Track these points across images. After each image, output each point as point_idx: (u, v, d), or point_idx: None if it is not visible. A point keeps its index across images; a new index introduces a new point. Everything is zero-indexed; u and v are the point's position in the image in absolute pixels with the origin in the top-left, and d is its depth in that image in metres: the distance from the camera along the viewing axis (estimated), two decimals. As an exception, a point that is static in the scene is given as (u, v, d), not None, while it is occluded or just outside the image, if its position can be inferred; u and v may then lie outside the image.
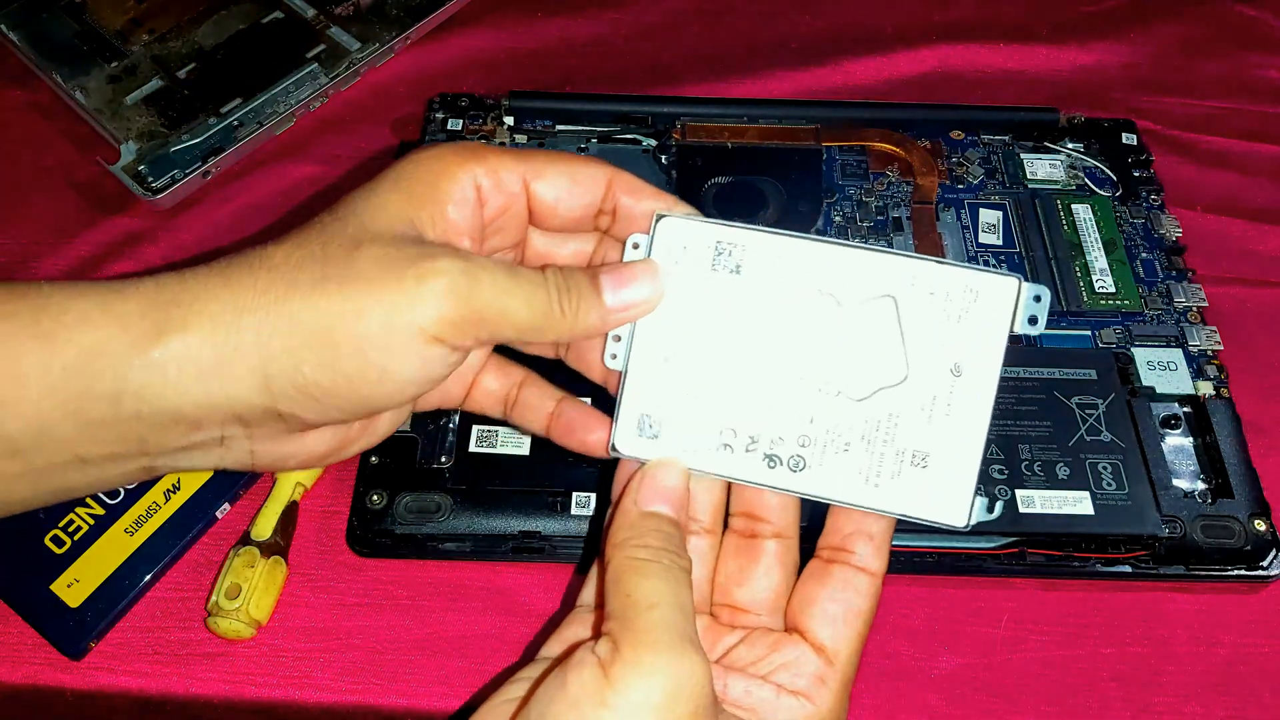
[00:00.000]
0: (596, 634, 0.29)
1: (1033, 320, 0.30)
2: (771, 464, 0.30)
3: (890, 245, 0.52)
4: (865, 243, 0.32)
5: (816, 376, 0.30)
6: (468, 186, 0.30)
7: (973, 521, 0.30)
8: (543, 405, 0.34)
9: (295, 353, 0.27)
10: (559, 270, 0.29)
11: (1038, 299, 0.30)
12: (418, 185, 0.29)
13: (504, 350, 0.34)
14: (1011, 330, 0.30)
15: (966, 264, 0.30)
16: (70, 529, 0.43)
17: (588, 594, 0.32)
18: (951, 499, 0.30)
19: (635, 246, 0.31)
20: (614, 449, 0.31)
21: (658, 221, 0.31)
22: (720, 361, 0.31)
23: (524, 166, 0.30)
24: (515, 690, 0.29)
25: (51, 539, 0.43)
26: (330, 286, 0.27)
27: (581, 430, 0.33)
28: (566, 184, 0.31)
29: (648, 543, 0.28)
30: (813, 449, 0.30)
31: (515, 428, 0.35)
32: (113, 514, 0.43)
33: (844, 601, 0.30)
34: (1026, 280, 0.30)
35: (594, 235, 0.33)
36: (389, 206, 0.28)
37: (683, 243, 0.31)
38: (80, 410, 0.27)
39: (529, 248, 0.33)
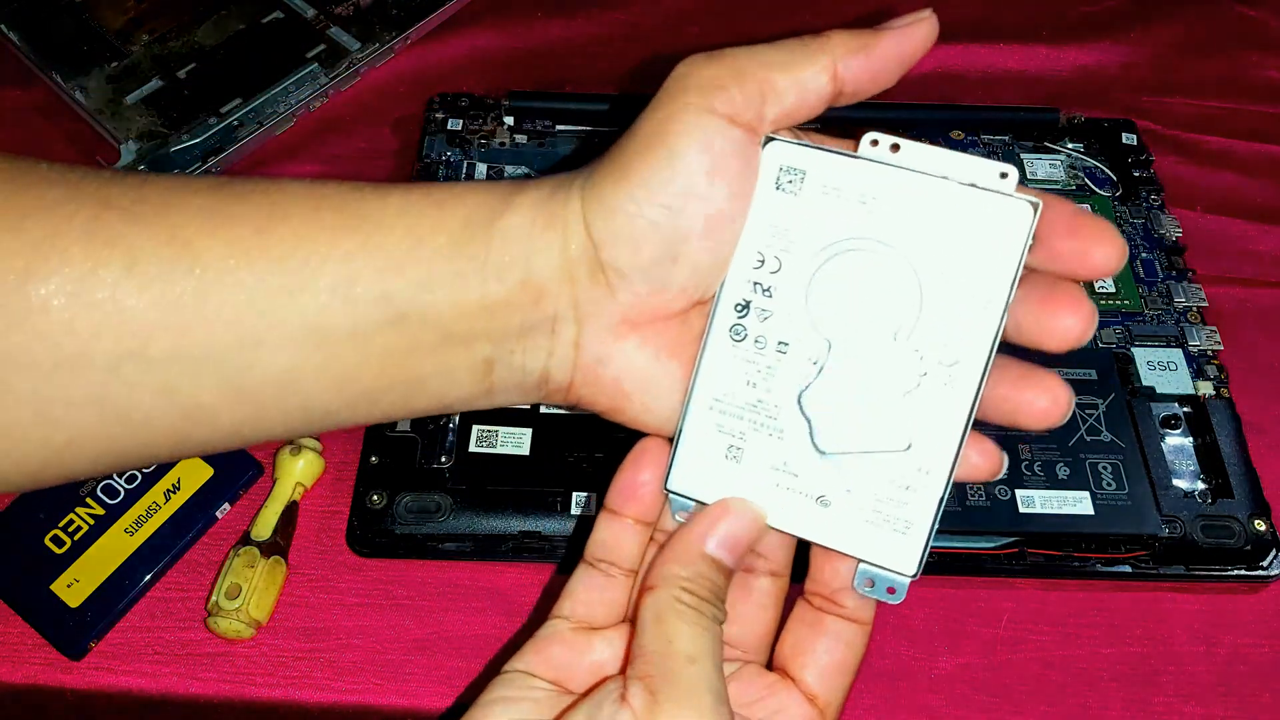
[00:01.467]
0: (624, 668, 0.28)
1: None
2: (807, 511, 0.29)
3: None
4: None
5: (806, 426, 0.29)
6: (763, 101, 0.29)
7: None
8: None
9: (597, 180, 0.28)
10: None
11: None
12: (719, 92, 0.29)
13: None
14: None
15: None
16: (70, 529, 0.43)
17: (569, 607, 0.30)
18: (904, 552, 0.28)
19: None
20: (667, 488, 0.30)
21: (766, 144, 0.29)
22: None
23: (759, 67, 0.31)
24: (504, 699, 0.28)
25: (51, 539, 0.43)
26: (629, 140, 0.28)
27: None
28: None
29: (699, 590, 0.27)
30: (843, 503, 0.29)
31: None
32: (113, 514, 0.43)
33: (837, 654, 0.29)
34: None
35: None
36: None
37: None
38: (458, 274, 0.27)
39: None
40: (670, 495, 0.30)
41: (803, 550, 0.30)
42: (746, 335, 0.29)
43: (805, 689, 0.29)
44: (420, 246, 0.27)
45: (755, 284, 0.29)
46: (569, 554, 0.43)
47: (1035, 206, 0.27)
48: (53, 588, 0.42)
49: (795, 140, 0.29)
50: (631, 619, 0.29)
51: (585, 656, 0.29)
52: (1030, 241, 0.27)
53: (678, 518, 0.30)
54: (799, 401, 0.28)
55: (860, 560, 0.28)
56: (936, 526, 0.28)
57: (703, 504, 0.29)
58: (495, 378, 0.29)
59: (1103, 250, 0.27)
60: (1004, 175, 0.27)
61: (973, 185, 0.27)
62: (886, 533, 0.28)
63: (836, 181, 0.29)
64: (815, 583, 0.30)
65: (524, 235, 0.28)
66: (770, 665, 0.31)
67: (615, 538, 0.30)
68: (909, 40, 0.32)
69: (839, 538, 0.28)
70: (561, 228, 0.28)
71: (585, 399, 0.30)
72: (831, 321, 0.28)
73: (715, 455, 0.29)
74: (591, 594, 0.30)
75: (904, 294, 0.28)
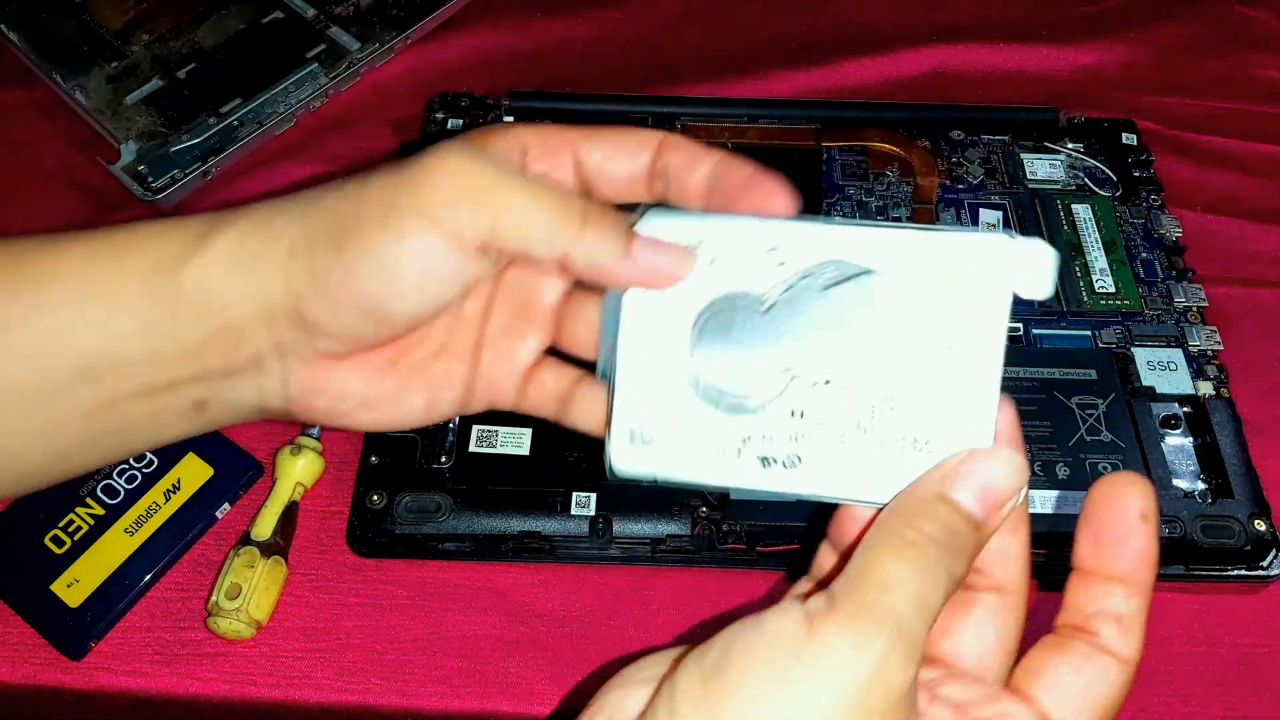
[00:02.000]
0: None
1: (1037, 281, 0.26)
2: (766, 465, 0.29)
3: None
4: (847, 219, 0.30)
5: (799, 365, 0.28)
6: (513, 146, 0.29)
7: None
8: (601, 402, 0.31)
9: (311, 243, 0.27)
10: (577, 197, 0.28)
11: (1038, 259, 0.26)
12: (467, 142, 0.28)
13: (555, 354, 0.32)
14: (1013, 296, 0.27)
15: (955, 227, 0.28)
16: (70, 529, 0.43)
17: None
18: None
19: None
20: (612, 471, 0.29)
21: (643, 214, 0.30)
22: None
23: (573, 135, 0.29)
24: (654, 668, 0.25)
25: (51, 539, 0.43)
26: (350, 186, 0.27)
27: None
28: (615, 146, 0.29)
29: (924, 527, 0.24)
30: (805, 443, 0.29)
31: (571, 429, 0.32)
32: (113, 514, 0.43)
33: (1084, 677, 0.25)
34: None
35: (640, 155, 0.31)
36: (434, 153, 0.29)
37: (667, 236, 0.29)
38: (148, 323, 0.27)
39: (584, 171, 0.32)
40: (620, 477, 0.29)
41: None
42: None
43: (1039, 708, 0.25)
44: (101, 300, 0.27)
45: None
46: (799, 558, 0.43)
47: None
48: (53, 588, 0.42)
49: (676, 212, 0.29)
50: None
51: None
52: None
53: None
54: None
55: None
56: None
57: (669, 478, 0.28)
58: (209, 414, 0.29)
59: (779, 202, 0.29)
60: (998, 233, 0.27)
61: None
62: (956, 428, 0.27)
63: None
64: (1065, 613, 0.26)
65: (219, 280, 0.27)
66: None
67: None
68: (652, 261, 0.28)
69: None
70: (262, 275, 0.27)
71: (306, 417, 0.30)
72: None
73: (647, 427, 0.29)
74: None
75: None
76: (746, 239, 0.29)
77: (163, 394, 0.28)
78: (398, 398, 0.30)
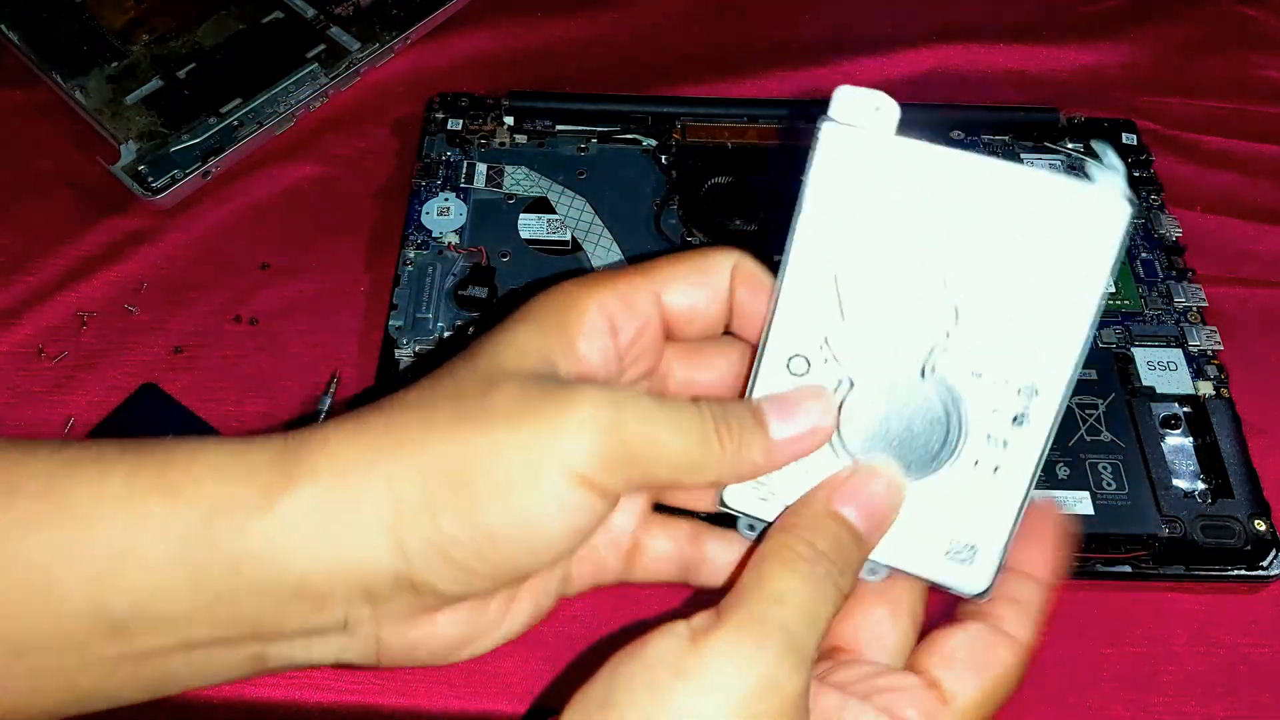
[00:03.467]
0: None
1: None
2: None
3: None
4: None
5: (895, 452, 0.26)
6: (597, 316, 0.27)
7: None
8: (729, 557, 0.29)
9: (431, 503, 0.23)
10: (713, 400, 0.26)
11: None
12: (547, 320, 0.26)
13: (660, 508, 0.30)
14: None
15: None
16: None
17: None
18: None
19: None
20: (723, 502, 0.27)
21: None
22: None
23: (651, 281, 0.27)
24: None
25: None
26: (465, 426, 0.24)
27: None
28: (696, 284, 0.28)
29: (814, 541, 0.25)
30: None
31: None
32: None
33: (977, 652, 0.26)
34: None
35: (735, 355, 0.29)
36: (520, 343, 0.26)
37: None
38: (197, 581, 0.23)
39: (670, 378, 0.30)
40: (728, 510, 0.28)
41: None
42: (799, 371, 0.27)
43: (928, 677, 0.26)
44: (143, 551, 0.23)
45: (811, 311, 0.26)
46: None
47: (1130, 205, 0.24)
48: None
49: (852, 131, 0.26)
50: None
51: None
52: (1124, 246, 0.24)
53: (747, 535, 0.28)
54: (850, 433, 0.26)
55: (934, 583, 0.27)
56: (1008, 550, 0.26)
57: (765, 522, 0.27)
58: (271, 665, 0.26)
59: None
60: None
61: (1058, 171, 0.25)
62: (955, 559, 0.26)
63: (893, 172, 0.25)
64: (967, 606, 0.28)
65: (297, 542, 0.23)
66: None
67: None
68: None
69: (903, 557, 0.27)
70: (358, 542, 0.23)
71: (394, 666, 0.27)
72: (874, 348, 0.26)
73: (769, 475, 0.27)
74: None
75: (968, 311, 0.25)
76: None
77: (212, 649, 0.25)
78: (501, 621, 0.27)
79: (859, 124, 0.26)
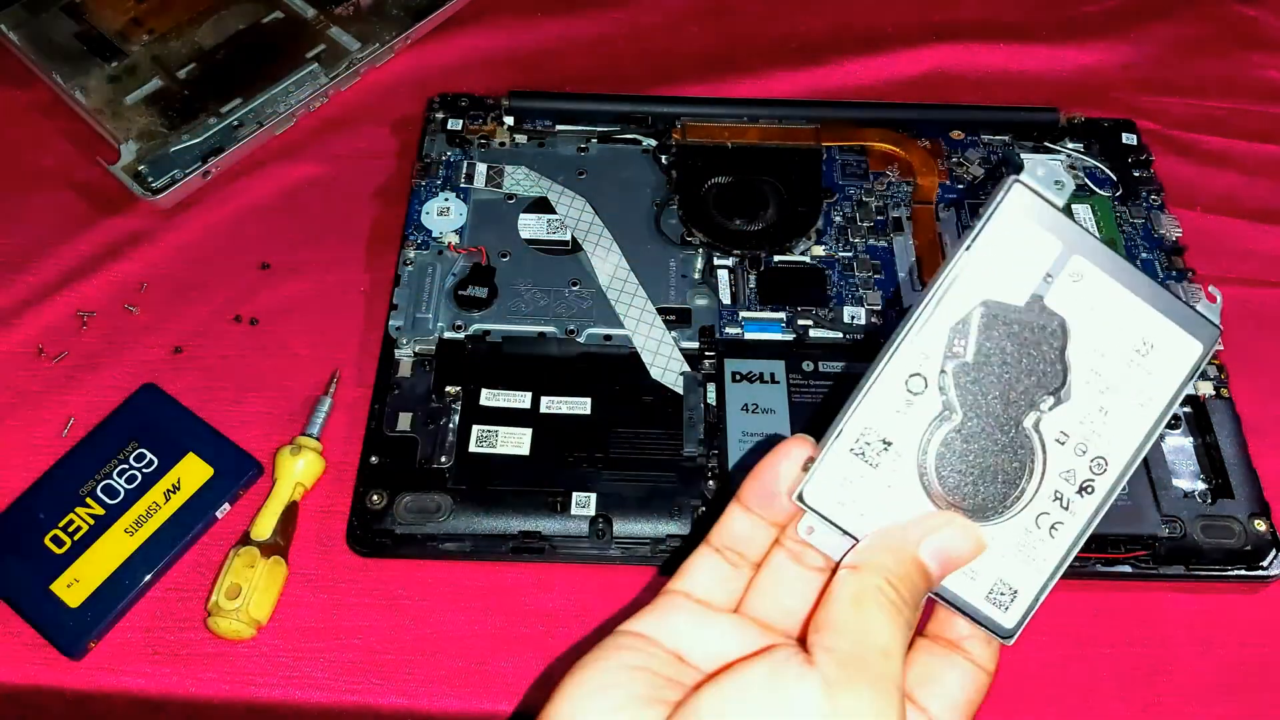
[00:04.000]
0: (801, 635, 0.28)
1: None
2: None
3: (890, 247, 0.52)
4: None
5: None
6: None
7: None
8: None
9: None
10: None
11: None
12: None
13: None
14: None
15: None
16: (70, 529, 0.43)
17: (690, 584, 0.29)
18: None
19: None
20: (801, 498, 0.28)
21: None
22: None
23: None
24: (623, 657, 0.27)
25: (51, 539, 0.43)
26: None
27: None
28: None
29: (903, 592, 0.26)
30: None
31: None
32: (113, 514, 0.43)
33: (966, 691, 0.29)
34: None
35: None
36: None
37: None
38: None
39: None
40: (802, 506, 0.28)
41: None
42: (916, 390, 0.28)
43: (918, 706, 0.28)
44: None
45: (944, 341, 0.28)
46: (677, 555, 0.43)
47: (1217, 331, 0.28)
48: (52, 588, 0.42)
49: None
50: (815, 603, 0.28)
51: (706, 633, 0.28)
52: (1203, 364, 0.28)
53: (804, 534, 0.28)
54: (933, 466, 0.28)
55: (963, 612, 0.28)
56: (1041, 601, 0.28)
57: (835, 525, 0.28)
58: None
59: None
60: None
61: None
62: (994, 599, 0.28)
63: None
64: (938, 624, 0.29)
65: None
66: None
67: (747, 532, 0.29)
68: None
69: (949, 586, 0.28)
70: None
71: None
72: (983, 395, 0.28)
73: (853, 481, 0.28)
74: (714, 577, 0.29)
75: (1069, 380, 0.28)
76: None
77: None
78: None
79: (1043, 191, 0.28)
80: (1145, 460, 0.44)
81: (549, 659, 0.42)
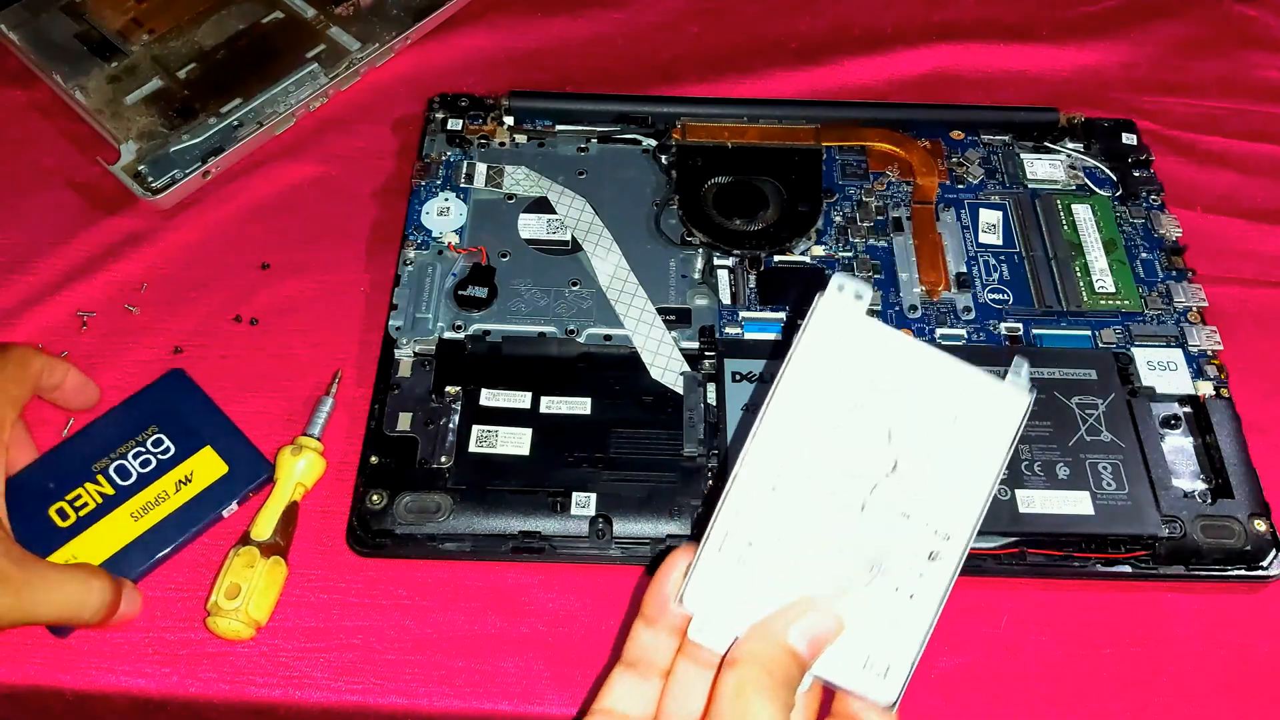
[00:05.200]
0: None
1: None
2: None
3: (890, 246, 0.52)
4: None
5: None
6: None
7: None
8: None
9: None
10: None
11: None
12: None
13: None
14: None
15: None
16: (77, 504, 0.43)
17: (611, 702, 0.31)
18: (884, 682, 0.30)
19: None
20: (682, 601, 0.30)
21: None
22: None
23: None
24: None
25: (57, 511, 0.43)
26: None
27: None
28: None
29: (779, 676, 0.28)
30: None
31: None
32: (121, 495, 0.43)
33: None
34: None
35: None
36: None
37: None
38: None
39: None
40: (686, 610, 0.30)
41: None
42: (767, 488, 0.30)
43: None
44: None
45: (785, 444, 0.30)
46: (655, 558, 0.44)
47: (1030, 396, 0.30)
48: (50, 560, 0.41)
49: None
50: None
51: None
52: (1022, 427, 0.30)
53: (694, 635, 0.30)
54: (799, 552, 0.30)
55: (846, 690, 0.30)
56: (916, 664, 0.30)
57: (717, 622, 0.30)
58: None
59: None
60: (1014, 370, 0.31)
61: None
62: (871, 671, 0.30)
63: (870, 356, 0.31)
64: (840, 702, 0.30)
65: None
66: None
67: (652, 643, 0.31)
68: None
69: (828, 668, 0.30)
70: None
71: None
72: (839, 478, 0.30)
73: (727, 580, 0.30)
74: (630, 692, 0.31)
75: (897, 460, 0.31)
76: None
77: None
78: None
79: (848, 303, 0.31)
80: (1145, 460, 0.44)
81: (549, 659, 0.42)
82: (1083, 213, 0.54)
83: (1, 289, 0.52)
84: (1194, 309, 0.50)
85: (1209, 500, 0.44)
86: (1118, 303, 0.50)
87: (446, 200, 0.53)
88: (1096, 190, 0.55)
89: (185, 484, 0.44)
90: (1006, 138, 0.57)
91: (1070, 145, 0.57)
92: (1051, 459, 0.44)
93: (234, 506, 0.45)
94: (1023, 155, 0.56)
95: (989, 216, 0.54)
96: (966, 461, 0.30)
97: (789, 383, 0.31)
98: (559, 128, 0.57)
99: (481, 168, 0.54)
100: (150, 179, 0.55)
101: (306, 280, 0.53)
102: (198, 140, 0.56)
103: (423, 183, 0.54)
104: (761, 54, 0.64)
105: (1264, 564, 0.43)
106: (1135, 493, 0.44)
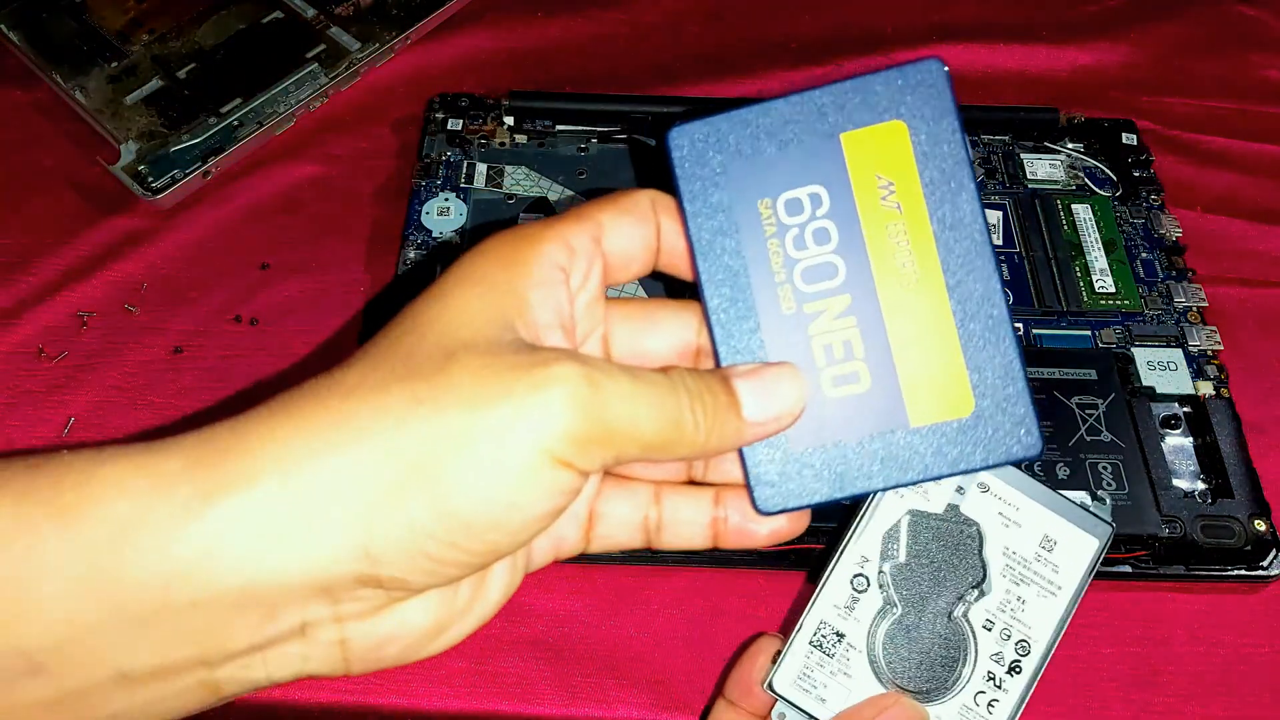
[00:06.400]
0: None
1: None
2: None
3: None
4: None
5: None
6: (548, 269, 0.25)
7: None
8: (698, 515, 0.28)
9: (398, 494, 0.22)
10: (685, 372, 0.25)
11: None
12: (495, 276, 0.24)
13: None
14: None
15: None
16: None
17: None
18: None
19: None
20: (771, 687, 0.32)
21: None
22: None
23: (590, 225, 0.26)
24: None
25: None
26: (425, 409, 0.22)
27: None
28: (632, 224, 0.27)
29: None
30: None
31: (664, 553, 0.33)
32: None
33: None
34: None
35: (678, 318, 0.29)
36: (470, 307, 0.24)
37: None
38: (118, 605, 0.21)
39: (614, 344, 0.28)
40: (772, 694, 0.33)
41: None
42: (860, 588, 0.33)
43: None
44: (41, 585, 0.21)
45: (874, 552, 0.33)
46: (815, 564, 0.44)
47: (1110, 528, 0.34)
48: None
49: None
50: None
51: None
52: (1102, 556, 0.33)
53: (775, 717, 0.33)
54: (879, 651, 0.33)
55: None
56: None
57: (801, 709, 0.32)
58: (226, 691, 0.23)
59: None
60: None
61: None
62: None
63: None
64: None
65: (238, 552, 0.21)
66: None
67: None
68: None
69: None
70: (316, 541, 0.22)
71: (365, 671, 0.25)
72: (922, 592, 0.33)
73: (814, 670, 0.33)
74: None
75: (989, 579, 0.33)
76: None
77: (154, 681, 0.22)
78: (473, 604, 0.26)
79: None
80: (1145, 460, 0.44)
81: (549, 659, 0.42)
82: (1083, 213, 0.54)
83: (1, 289, 0.52)
84: (1194, 309, 0.50)
85: (1209, 500, 0.44)
86: (1118, 303, 0.50)
87: (446, 200, 0.53)
88: (1096, 190, 0.55)
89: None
90: (1006, 138, 0.57)
91: (1070, 145, 0.57)
92: (1051, 459, 0.44)
93: None
94: (1023, 155, 0.56)
95: (989, 216, 0.54)
96: (1048, 581, 0.33)
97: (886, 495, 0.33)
98: (559, 128, 0.57)
99: (481, 168, 0.54)
100: (150, 179, 0.55)
101: (306, 280, 0.53)
102: (198, 140, 0.56)
103: (423, 183, 0.54)
104: (761, 54, 0.64)
105: (1264, 564, 0.43)
106: (1135, 493, 0.44)
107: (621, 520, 0.28)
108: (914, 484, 0.29)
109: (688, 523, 0.28)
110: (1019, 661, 0.33)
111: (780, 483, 0.28)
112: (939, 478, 0.28)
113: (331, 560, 0.22)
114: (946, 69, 0.27)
